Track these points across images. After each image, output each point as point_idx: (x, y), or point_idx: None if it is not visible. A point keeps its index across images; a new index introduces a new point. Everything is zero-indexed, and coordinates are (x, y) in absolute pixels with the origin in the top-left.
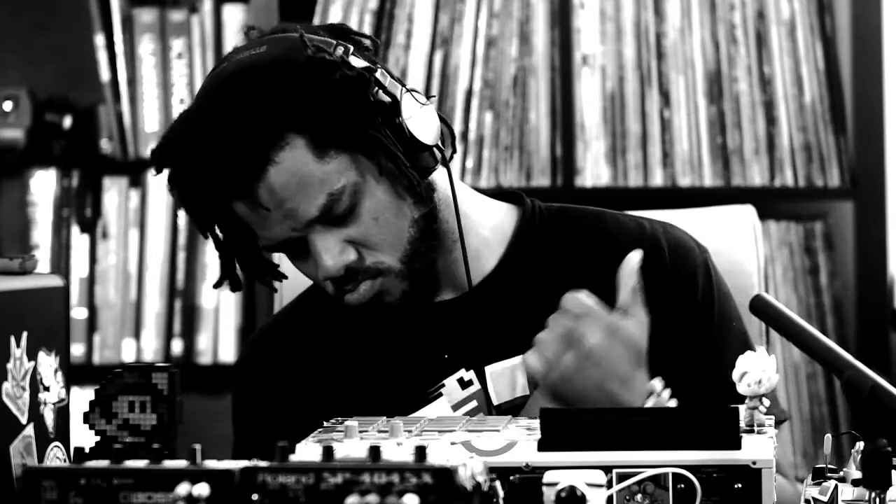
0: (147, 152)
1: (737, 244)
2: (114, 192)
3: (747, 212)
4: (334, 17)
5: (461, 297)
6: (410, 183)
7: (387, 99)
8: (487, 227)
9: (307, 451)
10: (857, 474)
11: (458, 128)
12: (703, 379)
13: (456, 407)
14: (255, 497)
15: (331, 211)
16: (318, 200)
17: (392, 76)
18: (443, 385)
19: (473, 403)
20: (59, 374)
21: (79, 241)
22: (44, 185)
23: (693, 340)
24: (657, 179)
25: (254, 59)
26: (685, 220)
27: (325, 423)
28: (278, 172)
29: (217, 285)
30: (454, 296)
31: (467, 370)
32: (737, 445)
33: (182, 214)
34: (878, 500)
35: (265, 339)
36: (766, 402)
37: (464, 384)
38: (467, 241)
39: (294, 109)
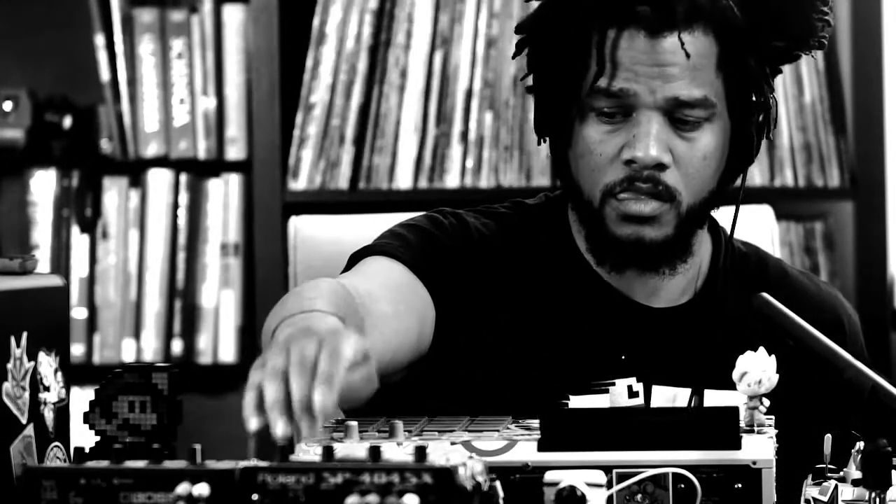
0: (147, 152)
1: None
2: (114, 192)
3: (765, 213)
4: (334, 16)
5: (665, 310)
6: (738, 166)
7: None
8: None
9: (307, 451)
10: (857, 474)
11: (457, 128)
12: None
13: None
14: (255, 497)
15: (691, 109)
16: (696, 91)
17: None
18: (612, 384)
19: None
20: (59, 374)
21: (79, 241)
22: (44, 185)
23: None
24: None
25: None
26: None
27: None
28: (688, 40)
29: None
30: (659, 305)
31: (638, 381)
32: (737, 445)
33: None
34: (878, 500)
35: (474, 224)
36: (766, 402)
37: (631, 393)
38: (692, 261)
39: (730, 14)
